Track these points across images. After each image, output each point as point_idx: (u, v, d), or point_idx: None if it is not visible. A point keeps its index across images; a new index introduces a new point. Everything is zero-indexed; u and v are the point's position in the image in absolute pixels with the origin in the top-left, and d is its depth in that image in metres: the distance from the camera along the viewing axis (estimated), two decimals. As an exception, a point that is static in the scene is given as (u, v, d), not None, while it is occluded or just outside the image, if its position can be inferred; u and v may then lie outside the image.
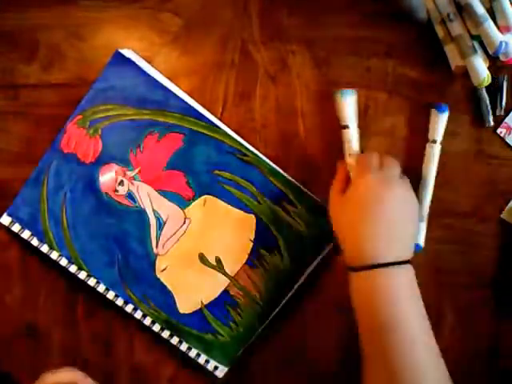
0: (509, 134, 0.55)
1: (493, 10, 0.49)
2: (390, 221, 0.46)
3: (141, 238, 0.54)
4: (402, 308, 0.44)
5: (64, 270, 0.54)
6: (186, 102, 0.53)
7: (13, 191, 0.54)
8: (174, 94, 0.53)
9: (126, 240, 0.54)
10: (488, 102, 0.54)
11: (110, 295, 0.54)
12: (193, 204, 0.54)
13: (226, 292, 0.54)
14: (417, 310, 0.45)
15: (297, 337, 0.55)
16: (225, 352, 0.54)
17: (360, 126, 0.54)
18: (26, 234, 0.54)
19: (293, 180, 0.54)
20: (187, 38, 0.55)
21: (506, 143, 0.55)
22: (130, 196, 0.54)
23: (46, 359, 0.56)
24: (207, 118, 0.53)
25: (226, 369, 0.55)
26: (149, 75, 0.53)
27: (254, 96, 0.55)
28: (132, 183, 0.54)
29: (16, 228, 0.54)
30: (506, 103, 0.54)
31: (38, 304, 0.56)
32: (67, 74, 0.55)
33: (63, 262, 0.54)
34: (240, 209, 0.54)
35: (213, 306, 0.54)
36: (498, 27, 0.48)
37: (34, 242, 0.54)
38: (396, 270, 0.44)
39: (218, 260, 0.54)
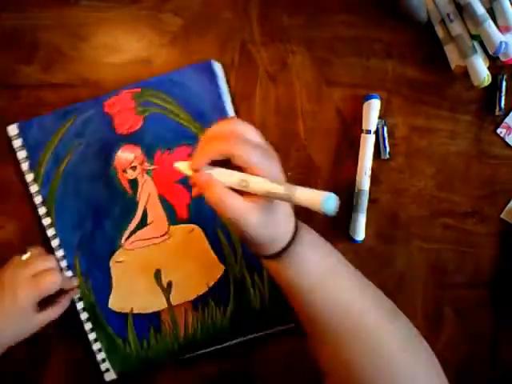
0: (509, 134, 0.55)
1: (493, 10, 0.49)
2: None
3: (118, 224, 0.54)
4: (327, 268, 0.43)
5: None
6: None
7: (13, 191, 0.54)
8: None
9: (103, 216, 0.53)
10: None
11: (59, 253, 0.53)
12: (181, 226, 0.54)
13: (157, 314, 0.54)
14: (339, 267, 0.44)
15: (298, 338, 0.55)
16: (124, 362, 0.55)
17: (359, 126, 0.54)
18: (21, 154, 0.53)
19: None
20: (187, 38, 0.55)
21: (506, 143, 0.55)
22: (133, 183, 0.54)
23: (46, 359, 0.56)
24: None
25: (114, 377, 0.55)
26: (221, 97, 0.53)
27: (254, 96, 0.55)
28: (142, 175, 0.54)
29: (17, 143, 0.53)
30: (505, 103, 0.54)
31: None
32: (67, 74, 0.55)
33: (37, 199, 0.53)
34: (217, 255, 0.54)
35: (139, 318, 0.54)
36: (498, 27, 0.48)
37: (24, 165, 0.53)
38: (297, 240, 0.42)
39: (169, 284, 0.54)
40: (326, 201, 0.34)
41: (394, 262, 0.56)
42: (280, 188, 0.36)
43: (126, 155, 0.53)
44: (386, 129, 0.54)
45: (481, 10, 0.48)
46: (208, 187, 0.37)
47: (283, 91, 0.55)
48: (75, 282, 0.53)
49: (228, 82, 0.54)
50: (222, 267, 0.54)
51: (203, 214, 0.53)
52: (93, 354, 0.54)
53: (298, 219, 0.43)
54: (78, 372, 0.56)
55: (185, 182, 0.53)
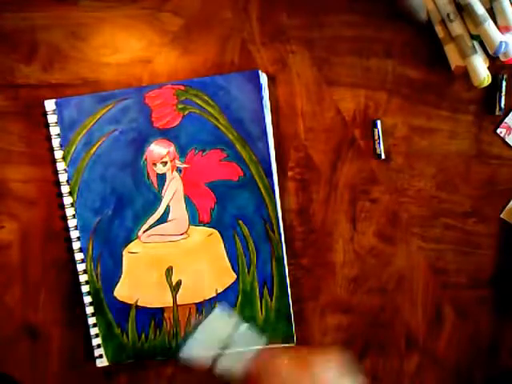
0: (509, 134, 0.55)
1: (493, 10, 0.49)
2: None
3: (138, 215, 0.54)
4: None
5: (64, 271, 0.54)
6: (268, 154, 0.53)
7: (13, 191, 0.54)
8: (267, 141, 0.53)
9: (125, 205, 0.54)
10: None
11: (74, 234, 0.54)
12: (201, 228, 0.54)
13: (161, 310, 0.55)
14: None
15: (299, 339, 0.55)
16: (118, 351, 0.55)
17: (359, 126, 0.54)
18: (54, 130, 0.53)
19: None
20: (187, 38, 0.55)
21: (506, 143, 0.55)
22: (160, 179, 0.54)
23: (46, 359, 0.56)
24: (273, 184, 0.53)
25: (106, 363, 0.55)
26: (261, 108, 0.53)
27: (254, 96, 0.55)
28: (172, 172, 0.54)
29: (52, 119, 0.53)
30: (505, 103, 0.54)
31: (38, 304, 0.56)
32: (67, 74, 0.55)
33: (63, 177, 0.54)
34: (231, 263, 0.54)
35: (142, 311, 0.55)
36: (498, 27, 0.48)
37: (55, 142, 0.53)
38: None
39: (179, 283, 0.54)
40: None
41: (394, 261, 0.56)
42: None
43: (158, 149, 0.54)
44: (380, 129, 0.54)
45: (481, 9, 0.48)
46: None
47: (283, 91, 0.55)
48: None
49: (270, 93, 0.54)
50: (233, 276, 0.54)
51: (224, 221, 0.54)
52: (88, 339, 0.55)
53: None
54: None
55: (213, 186, 0.53)
